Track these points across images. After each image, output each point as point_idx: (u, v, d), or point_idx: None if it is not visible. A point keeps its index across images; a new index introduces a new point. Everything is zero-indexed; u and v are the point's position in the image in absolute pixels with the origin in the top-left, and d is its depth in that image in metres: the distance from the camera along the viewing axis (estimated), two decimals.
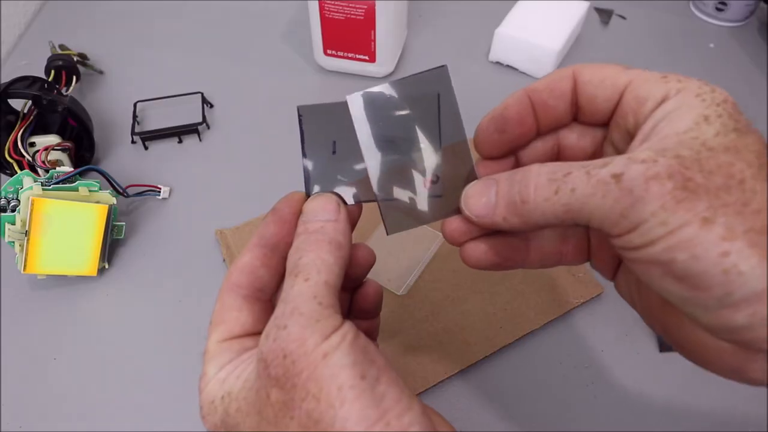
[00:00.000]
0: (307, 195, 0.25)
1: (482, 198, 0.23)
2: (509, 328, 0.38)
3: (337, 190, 0.25)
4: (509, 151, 0.25)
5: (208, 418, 0.22)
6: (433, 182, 0.25)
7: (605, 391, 0.37)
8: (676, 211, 0.18)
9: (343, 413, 0.18)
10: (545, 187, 0.21)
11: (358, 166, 0.25)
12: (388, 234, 0.25)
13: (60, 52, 0.54)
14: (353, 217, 0.25)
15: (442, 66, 0.25)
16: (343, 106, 0.25)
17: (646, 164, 0.19)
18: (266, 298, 0.25)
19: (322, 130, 0.25)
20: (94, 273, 0.41)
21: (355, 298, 0.28)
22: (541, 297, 0.40)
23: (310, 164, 0.25)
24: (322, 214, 0.23)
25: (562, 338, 0.39)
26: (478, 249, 0.25)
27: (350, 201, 0.25)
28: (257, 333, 0.24)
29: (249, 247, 0.24)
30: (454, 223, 0.25)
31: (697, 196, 0.18)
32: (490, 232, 0.25)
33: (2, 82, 0.44)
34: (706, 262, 0.18)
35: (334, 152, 0.25)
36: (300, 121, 0.25)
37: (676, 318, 0.22)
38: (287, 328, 0.20)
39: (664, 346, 0.38)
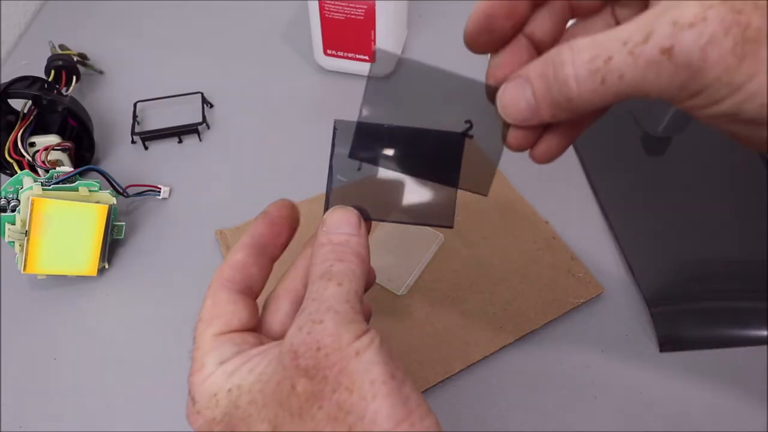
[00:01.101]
0: (327, 204, 0.25)
1: (520, 102, 0.22)
2: (509, 328, 0.38)
3: (355, 205, 0.25)
4: (510, 38, 0.24)
5: (205, 413, 0.22)
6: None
7: (605, 391, 0.37)
8: (741, 68, 0.17)
9: (375, 406, 0.19)
10: (588, 79, 0.19)
11: (380, 186, 0.26)
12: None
13: (60, 52, 0.54)
14: (367, 231, 0.26)
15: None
16: (378, 128, 0.25)
17: (696, 29, 0.17)
18: (254, 297, 0.25)
19: (354, 146, 0.25)
20: (94, 273, 0.41)
21: None
22: (541, 297, 0.40)
23: (335, 177, 0.25)
24: (344, 228, 0.24)
25: (562, 338, 0.39)
26: (551, 146, 0.25)
27: (367, 216, 0.25)
28: (252, 329, 0.24)
29: (240, 246, 0.25)
30: (513, 136, 0.24)
31: (759, 44, 0.17)
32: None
33: (2, 82, 0.44)
34: None
35: (359, 169, 0.25)
36: (334, 134, 0.25)
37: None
38: (323, 323, 0.20)
39: (664, 346, 0.38)
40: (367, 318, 0.29)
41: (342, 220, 0.24)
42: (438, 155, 0.25)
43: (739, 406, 0.36)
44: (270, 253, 0.25)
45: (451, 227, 0.26)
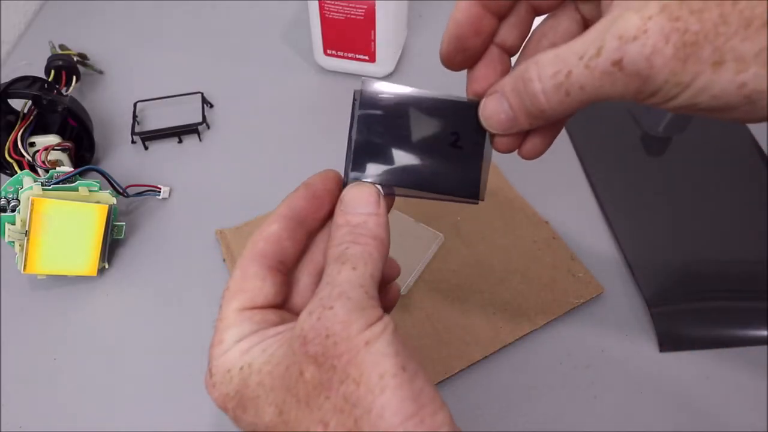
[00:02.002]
0: (346, 178, 0.24)
1: (500, 114, 0.24)
2: (509, 328, 0.38)
3: (376, 180, 0.24)
4: (482, 52, 0.26)
5: (220, 387, 0.22)
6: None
7: (605, 391, 0.37)
8: (685, 69, 0.19)
9: (382, 401, 0.18)
10: (554, 93, 0.21)
11: (402, 158, 0.24)
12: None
13: (60, 52, 0.54)
14: (388, 207, 0.25)
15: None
16: (402, 96, 0.24)
17: (639, 41, 0.19)
18: (286, 272, 0.24)
19: (375, 115, 0.24)
20: (94, 273, 0.41)
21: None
22: (541, 297, 0.40)
23: (354, 149, 0.24)
24: (363, 207, 0.23)
25: (562, 338, 0.39)
26: (536, 145, 0.26)
27: (389, 191, 0.25)
28: (278, 306, 0.24)
29: (275, 216, 0.24)
30: (500, 142, 0.26)
31: (699, 46, 0.18)
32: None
33: (2, 82, 0.44)
34: (727, 98, 0.19)
35: (380, 140, 0.24)
36: (354, 104, 0.24)
37: None
38: (333, 309, 0.20)
39: (664, 346, 0.38)
40: (394, 301, 0.28)
41: (360, 199, 0.23)
42: (462, 127, 0.25)
43: (739, 406, 0.36)
44: (308, 226, 0.24)
45: (476, 202, 0.25)
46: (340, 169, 0.25)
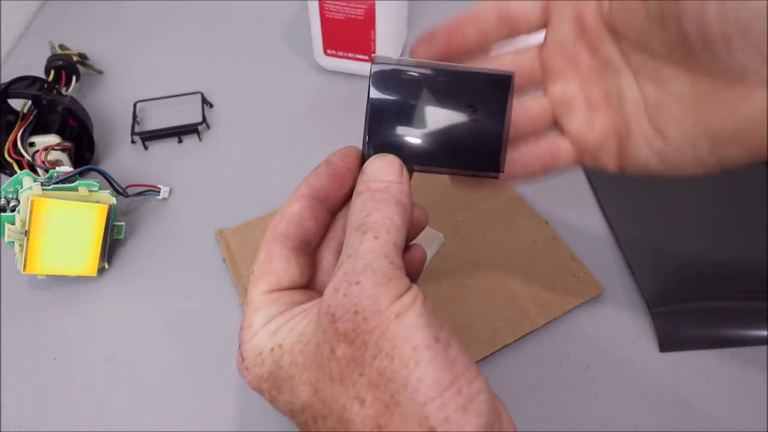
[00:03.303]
0: (364, 153, 0.24)
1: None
2: (509, 328, 0.38)
3: (397, 152, 0.24)
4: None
5: (253, 370, 0.22)
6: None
7: (605, 391, 0.37)
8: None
9: (418, 374, 0.18)
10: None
11: (419, 135, 0.24)
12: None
13: (60, 52, 0.54)
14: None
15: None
16: (418, 69, 0.24)
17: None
18: (310, 251, 0.24)
19: (391, 88, 0.24)
20: (94, 273, 0.41)
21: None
22: (541, 297, 0.40)
23: (372, 122, 0.24)
24: (386, 175, 0.23)
25: (562, 338, 0.39)
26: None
27: (409, 165, 0.24)
28: (304, 286, 0.23)
29: (296, 196, 0.24)
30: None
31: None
32: None
33: (2, 82, 0.44)
34: None
35: (397, 114, 0.24)
36: (370, 75, 0.24)
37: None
38: (360, 284, 0.19)
39: (664, 346, 0.38)
40: (419, 265, 0.27)
41: (382, 167, 0.23)
42: (480, 100, 0.24)
43: (739, 406, 0.36)
44: (331, 204, 0.24)
45: (497, 175, 0.24)
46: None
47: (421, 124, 0.24)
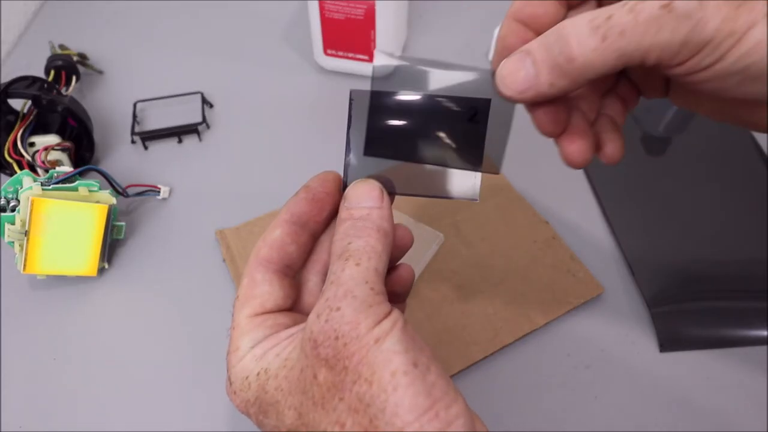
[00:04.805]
0: (345, 179, 0.24)
1: (519, 72, 0.22)
2: (509, 328, 0.38)
3: (377, 177, 0.24)
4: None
5: (240, 394, 0.22)
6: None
7: (605, 391, 0.37)
8: (739, 16, 0.18)
9: (396, 399, 0.18)
10: (589, 37, 0.20)
11: (399, 158, 0.24)
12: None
13: (60, 52, 0.54)
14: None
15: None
16: (396, 97, 0.24)
17: None
18: (293, 275, 0.25)
19: (371, 117, 0.24)
20: (94, 273, 0.41)
21: (387, 281, 0.27)
22: (541, 297, 0.40)
23: (352, 149, 0.24)
24: (366, 201, 0.23)
25: (562, 338, 0.39)
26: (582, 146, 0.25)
27: (389, 190, 0.24)
28: (288, 309, 0.24)
29: (278, 222, 0.24)
30: (536, 118, 0.25)
31: None
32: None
33: (2, 82, 0.44)
34: None
35: (376, 141, 0.24)
36: (350, 105, 0.24)
37: (748, 108, 0.22)
38: (341, 309, 0.20)
39: (664, 346, 0.38)
40: (408, 284, 0.27)
41: (363, 194, 0.23)
42: (458, 126, 0.24)
43: (738, 406, 0.36)
44: (312, 229, 0.25)
45: (476, 200, 0.25)
46: (340, 169, 0.25)
47: (402, 149, 0.24)
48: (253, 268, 0.24)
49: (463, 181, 0.25)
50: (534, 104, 0.24)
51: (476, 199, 0.25)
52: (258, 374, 0.22)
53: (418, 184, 0.24)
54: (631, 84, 0.28)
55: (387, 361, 0.19)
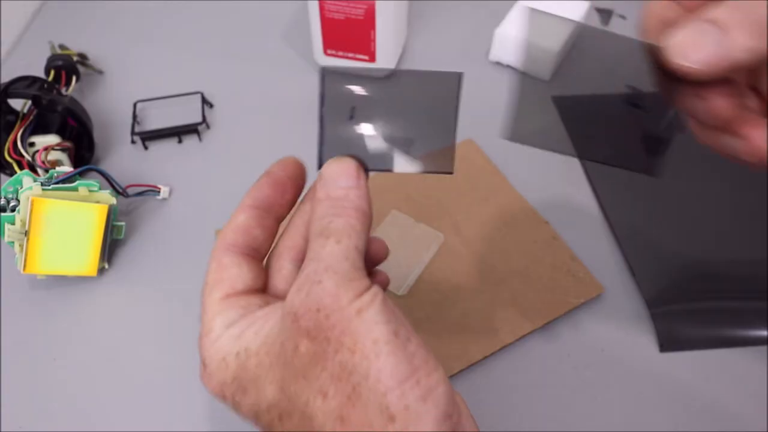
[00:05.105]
0: (321, 156, 0.24)
1: (705, 38, 0.20)
2: (509, 328, 0.38)
3: (353, 155, 0.24)
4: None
5: (216, 375, 0.22)
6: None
7: (605, 391, 0.37)
8: None
9: (378, 365, 0.19)
10: None
11: (374, 134, 0.24)
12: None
13: (60, 52, 0.54)
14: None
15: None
16: (368, 78, 0.24)
17: None
18: (260, 258, 0.25)
19: (343, 95, 0.24)
20: (94, 273, 0.41)
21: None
22: (541, 297, 0.40)
23: (327, 126, 0.24)
24: (343, 180, 0.23)
25: (562, 338, 0.39)
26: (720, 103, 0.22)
27: (365, 167, 0.24)
28: (258, 290, 0.24)
29: (241, 208, 0.25)
30: (717, 104, 0.22)
31: None
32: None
33: (2, 82, 0.44)
34: None
35: (351, 117, 0.24)
36: (322, 81, 0.24)
37: None
38: (322, 283, 0.20)
39: (664, 346, 0.38)
40: (384, 287, 0.28)
41: (340, 173, 0.23)
42: (430, 101, 0.24)
43: (739, 406, 0.36)
44: (275, 213, 0.25)
45: (450, 173, 0.24)
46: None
47: (376, 125, 0.24)
48: (220, 253, 0.24)
49: (437, 155, 0.24)
50: (705, 86, 0.22)
51: (451, 172, 0.24)
52: (237, 354, 0.21)
53: (392, 159, 0.24)
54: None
55: (368, 331, 0.19)
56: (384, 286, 0.27)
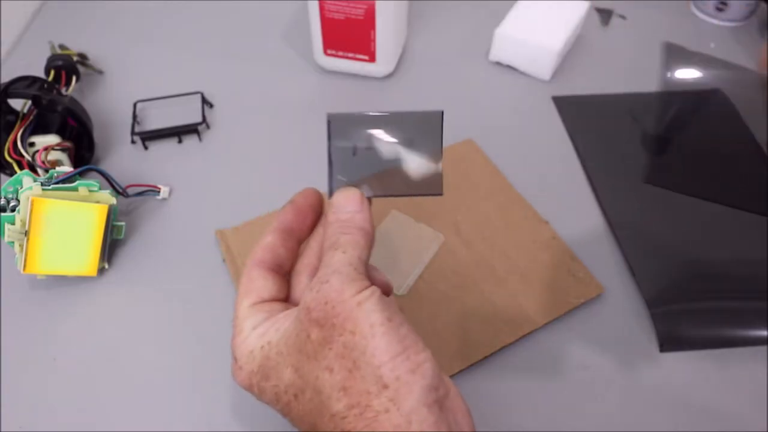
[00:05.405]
0: (331, 188, 0.29)
1: None
2: (509, 328, 0.38)
3: (356, 184, 0.29)
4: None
5: (246, 367, 0.26)
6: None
7: (605, 391, 0.37)
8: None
9: (374, 343, 0.23)
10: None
11: (372, 168, 0.29)
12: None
13: (60, 52, 0.54)
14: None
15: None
16: (366, 116, 0.29)
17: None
18: (284, 273, 0.29)
19: (347, 135, 0.29)
20: (94, 273, 0.41)
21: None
22: (541, 297, 0.40)
23: (335, 163, 0.29)
24: (350, 206, 0.28)
25: (562, 338, 0.39)
26: None
27: (368, 194, 0.29)
28: (281, 299, 0.29)
29: (270, 230, 0.29)
30: None
31: None
32: None
33: (2, 82, 0.44)
34: None
35: (354, 154, 0.29)
36: (329, 126, 0.28)
37: None
38: (329, 282, 0.24)
39: (664, 346, 0.38)
40: (386, 292, 0.30)
41: (347, 200, 0.28)
42: (419, 135, 0.29)
43: (739, 406, 0.36)
44: (297, 235, 0.29)
45: (440, 194, 0.29)
46: (324, 182, 0.29)
47: (375, 159, 0.29)
48: (250, 268, 0.28)
49: (428, 179, 0.29)
50: None
51: (441, 193, 0.29)
52: (262, 347, 0.26)
53: (390, 186, 0.29)
54: None
55: (366, 317, 0.23)
56: (386, 291, 0.30)
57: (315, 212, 0.30)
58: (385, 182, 0.29)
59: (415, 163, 0.29)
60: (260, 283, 0.28)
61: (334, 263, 0.25)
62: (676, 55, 0.57)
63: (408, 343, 0.23)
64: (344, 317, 0.23)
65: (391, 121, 0.29)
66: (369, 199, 0.29)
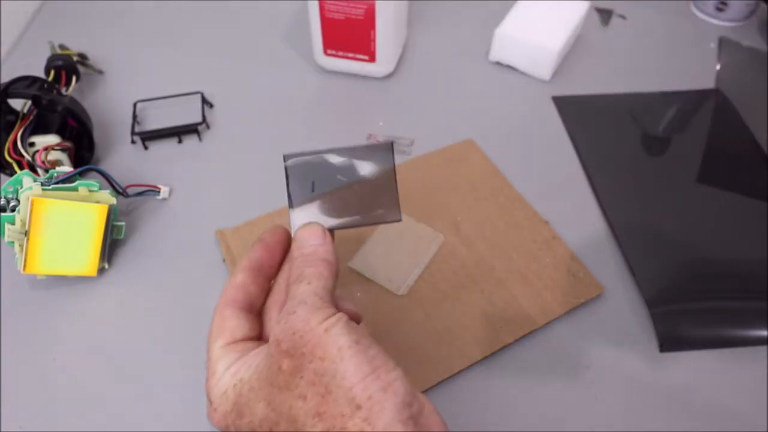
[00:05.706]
0: (292, 223, 0.30)
1: None
2: (509, 328, 0.38)
3: (317, 219, 0.29)
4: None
5: (219, 409, 0.26)
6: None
7: (605, 391, 0.37)
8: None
9: (344, 366, 0.23)
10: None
11: (334, 201, 0.30)
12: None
13: (60, 52, 0.54)
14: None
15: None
16: (321, 154, 0.30)
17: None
18: (255, 311, 0.29)
19: (304, 173, 0.30)
20: (94, 273, 0.41)
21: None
22: (541, 297, 0.40)
23: (294, 200, 0.30)
24: (312, 240, 0.28)
25: (562, 338, 0.39)
26: None
27: (329, 226, 0.30)
28: (254, 338, 0.28)
29: (240, 268, 0.29)
30: None
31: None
32: None
33: (2, 82, 0.44)
34: None
35: (312, 190, 0.30)
36: (285, 168, 0.30)
37: None
38: (296, 313, 0.25)
39: (664, 346, 0.38)
40: (356, 321, 0.31)
41: (309, 234, 0.29)
42: (373, 166, 0.30)
43: (739, 406, 0.36)
44: (266, 273, 0.29)
45: (399, 221, 0.30)
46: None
47: (334, 193, 0.30)
48: (222, 307, 0.28)
49: (386, 208, 0.30)
50: None
51: (400, 220, 0.30)
52: (234, 385, 0.26)
53: (350, 217, 0.30)
54: None
55: (334, 342, 0.24)
56: (355, 319, 0.30)
57: (284, 249, 0.30)
58: (345, 214, 0.30)
59: (373, 194, 0.30)
60: (233, 323, 0.28)
61: (300, 294, 0.26)
62: (729, 49, 0.57)
63: (378, 363, 0.23)
64: (313, 345, 0.24)
65: (346, 155, 0.30)
66: (331, 232, 0.29)
